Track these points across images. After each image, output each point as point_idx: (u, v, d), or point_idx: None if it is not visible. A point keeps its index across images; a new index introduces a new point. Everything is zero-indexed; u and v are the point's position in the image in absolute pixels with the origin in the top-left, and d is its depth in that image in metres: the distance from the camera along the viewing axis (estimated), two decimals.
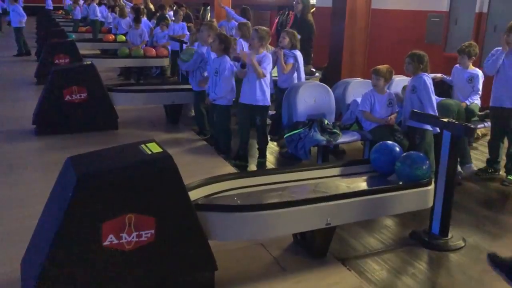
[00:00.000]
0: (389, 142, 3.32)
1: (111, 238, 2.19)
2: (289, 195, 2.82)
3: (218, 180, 2.88)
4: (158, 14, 12.48)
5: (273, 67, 5.44)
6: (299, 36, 6.29)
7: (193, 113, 6.08)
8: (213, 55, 5.04)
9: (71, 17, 19.31)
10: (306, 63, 6.63)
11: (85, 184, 2.13)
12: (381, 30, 9.60)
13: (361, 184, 3.16)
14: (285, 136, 4.67)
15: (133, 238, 2.24)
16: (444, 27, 8.25)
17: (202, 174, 4.28)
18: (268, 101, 4.77)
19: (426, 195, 3.03)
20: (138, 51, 9.14)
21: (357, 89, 4.97)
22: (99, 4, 16.10)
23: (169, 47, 10.05)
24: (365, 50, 9.19)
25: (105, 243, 2.18)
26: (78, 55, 8.57)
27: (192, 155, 4.94)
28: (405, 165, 3.04)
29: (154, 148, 2.45)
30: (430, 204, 3.09)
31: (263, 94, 4.69)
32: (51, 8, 25.50)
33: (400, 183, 3.05)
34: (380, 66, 4.48)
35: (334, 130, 4.50)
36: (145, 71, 9.88)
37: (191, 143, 5.40)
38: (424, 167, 3.01)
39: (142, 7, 16.06)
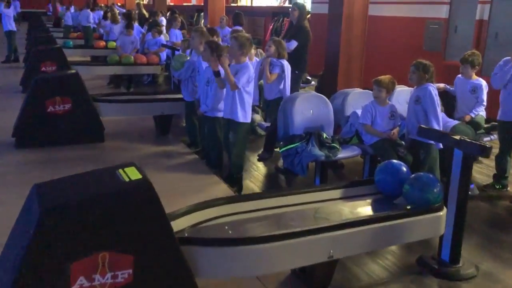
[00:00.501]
0: (395, 161, 3.04)
1: (81, 280, 1.89)
2: (287, 223, 2.53)
3: (207, 206, 2.58)
4: (150, 20, 12.20)
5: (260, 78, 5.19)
6: (294, 44, 6.05)
7: (184, 124, 5.77)
8: (204, 64, 4.77)
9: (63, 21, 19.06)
10: (302, 71, 6.37)
11: (50, 219, 1.83)
12: (378, 37, 9.37)
13: (366, 209, 2.88)
14: (280, 150, 4.38)
15: (107, 279, 1.94)
16: (443, 35, 8.03)
17: (192, 192, 3.99)
18: (247, 118, 4.32)
19: (438, 222, 2.75)
20: (129, 58, 8.85)
21: (356, 100, 4.71)
22: (93, 9, 15.76)
23: (162, 54, 9.78)
24: (362, 57, 8.95)
25: (74, 287, 1.88)
26: (65, 62, 8.25)
27: (181, 171, 4.64)
28: (414, 188, 2.76)
29: (133, 174, 2.15)
30: (442, 231, 2.81)
31: (243, 108, 4.24)
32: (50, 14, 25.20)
33: (408, 207, 2.77)
34: (382, 77, 4.21)
35: (333, 144, 4.22)
36: (136, 78, 9.60)
37: (181, 157, 5.10)
38: (435, 191, 2.73)
39: (136, 11, 15.84)
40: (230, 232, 2.40)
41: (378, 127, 4.24)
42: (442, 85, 5.06)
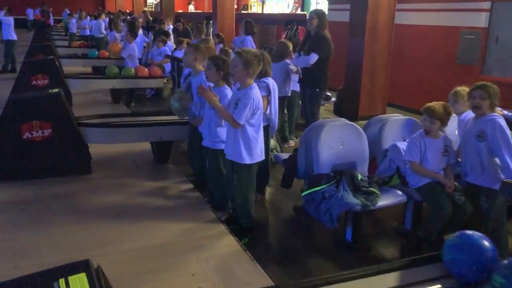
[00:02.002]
0: (475, 234, 2.14)
1: None
2: None
3: None
4: (156, 28, 11.44)
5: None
6: (315, 58, 5.17)
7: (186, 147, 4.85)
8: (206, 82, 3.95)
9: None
10: (323, 88, 5.49)
11: None
12: (405, 48, 8.48)
13: None
14: (303, 194, 3.50)
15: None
16: (481, 46, 7.11)
17: (192, 250, 3.14)
18: (254, 157, 3.38)
19: None
20: (129, 70, 8.05)
21: (397, 129, 3.82)
22: (96, 17, 14.96)
23: (167, 66, 8.99)
24: (387, 70, 8.05)
25: None
26: (59, 75, 7.48)
27: (181, 217, 3.74)
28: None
29: (80, 284, 1.30)
30: None
31: (247, 148, 3.34)
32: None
33: None
34: (435, 105, 3.31)
35: (370, 188, 3.33)
36: (138, 91, 8.79)
37: (182, 195, 4.22)
38: None
39: (141, 20, 15.11)
40: None
41: (428, 165, 3.35)
42: (498, 109, 4.14)
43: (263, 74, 3.91)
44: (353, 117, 7.74)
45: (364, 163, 3.65)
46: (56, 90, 4.46)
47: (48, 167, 4.38)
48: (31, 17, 25.89)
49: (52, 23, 22.60)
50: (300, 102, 6.14)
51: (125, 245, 3.28)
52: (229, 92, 3.65)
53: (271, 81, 3.98)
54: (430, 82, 8.10)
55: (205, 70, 3.71)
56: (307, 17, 5.34)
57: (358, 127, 3.69)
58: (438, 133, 3.40)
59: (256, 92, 3.34)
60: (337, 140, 3.57)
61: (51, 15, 23.26)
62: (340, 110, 8.12)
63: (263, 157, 3.52)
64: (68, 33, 17.24)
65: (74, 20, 17.14)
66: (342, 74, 8.02)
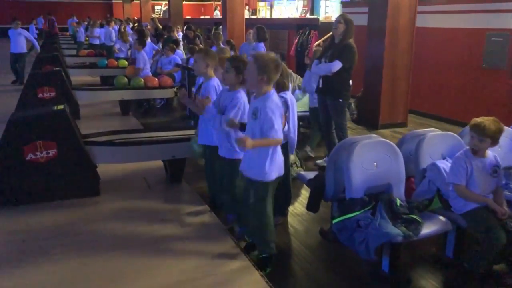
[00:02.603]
0: None
1: None
2: None
3: None
4: (165, 36, 11.15)
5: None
6: (338, 66, 4.81)
7: (203, 162, 4.46)
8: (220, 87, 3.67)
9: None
10: (346, 98, 5.12)
11: None
12: (427, 52, 8.09)
13: None
14: (334, 222, 3.14)
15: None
16: (509, 49, 6.70)
17: None
18: (273, 174, 3.01)
19: None
20: (138, 81, 7.75)
21: (436, 145, 3.44)
22: (108, 24, 14.65)
23: (177, 74, 8.69)
24: (409, 75, 7.64)
25: None
26: (66, 87, 7.22)
27: (196, 246, 3.39)
28: None
29: None
30: None
31: (263, 162, 2.96)
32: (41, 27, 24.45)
33: None
34: (485, 121, 2.92)
35: (412, 216, 2.96)
36: (147, 102, 8.48)
37: (197, 220, 3.84)
38: None
39: (149, 26, 14.86)
40: None
41: (475, 188, 2.98)
42: None
43: (281, 88, 3.52)
44: (373, 126, 7.39)
45: (401, 185, 3.28)
46: (61, 106, 4.15)
47: (53, 190, 4.07)
48: (40, 26, 25.83)
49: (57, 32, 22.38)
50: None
51: (139, 282, 2.93)
52: (242, 96, 3.33)
53: (289, 95, 3.57)
54: (454, 87, 7.70)
55: (223, 72, 3.38)
56: (334, 21, 4.96)
57: (393, 144, 3.32)
58: (486, 152, 3.02)
59: (276, 98, 2.98)
60: (370, 160, 3.21)
61: (55, 23, 23.07)
62: (359, 118, 7.75)
63: (282, 173, 3.16)
64: (76, 42, 17.04)
65: (82, 29, 16.95)
66: (360, 80, 7.65)
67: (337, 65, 4.78)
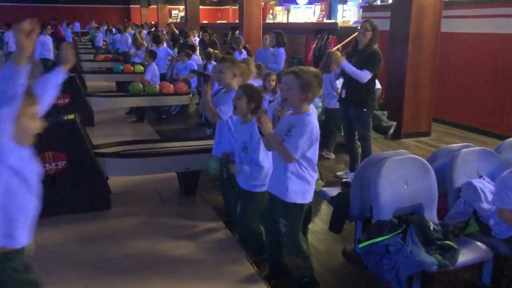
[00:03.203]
0: None
1: None
2: None
3: None
4: (181, 41, 11.01)
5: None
6: (368, 76, 4.54)
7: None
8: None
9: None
10: (371, 108, 4.84)
11: None
12: (453, 58, 7.76)
13: None
14: (360, 246, 2.88)
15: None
16: None
17: None
18: (307, 197, 2.79)
19: None
20: (153, 87, 7.59)
21: (471, 162, 3.16)
22: (124, 29, 14.57)
23: (193, 80, 8.52)
24: (433, 83, 7.34)
25: None
26: (80, 93, 7.10)
27: (215, 277, 3.13)
28: None
29: None
30: None
31: (299, 182, 2.74)
32: (79, 30, 24.64)
33: None
34: None
35: (447, 242, 2.69)
36: (166, 113, 8.31)
37: (212, 239, 3.63)
38: None
39: (165, 31, 14.75)
40: None
41: None
42: None
43: None
44: (395, 134, 7.07)
45: (433, 206, 3.00)
46: (71, 116, 3.97)
47: (62, 204, 3.89)
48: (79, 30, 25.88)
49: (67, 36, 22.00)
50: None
51: None
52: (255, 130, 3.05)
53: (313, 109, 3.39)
54: (481, 95, 7.35)
55: (234, 100, 3.14)
56: (359, 28, 4.69)
57: (425, 161, 3.05)
58: None
59: (314, 119, 2.74)
60: (400, 178, 2.94)
61: (61, 28, 22.99)
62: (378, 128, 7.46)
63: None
64: (94, 47, 17.04)
65: (101, 34, 16.95)
66: (382, 87, 7.35)
67: (367, 76, 4.52)
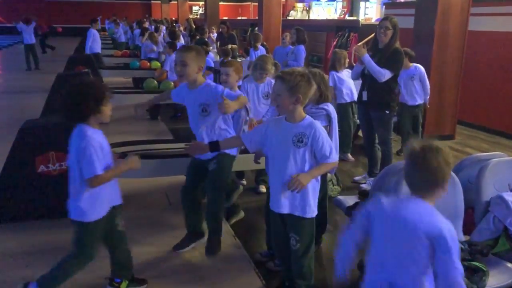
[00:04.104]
0: None
1: None
2: None
3: None
4: (197, 37, 10.85)
5: None
6: (388, 75, 4.29)
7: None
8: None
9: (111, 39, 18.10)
10: (393, 110, 4.58)
11: None
12: (480, 58, 7.39)
13: None
14: None
15: None
16: None
17: None
18: (313, 211, 2.62)
19: None
20: (168, 84, 7.44)
21: (504, 174, 2.89)
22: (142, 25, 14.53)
23: (209, 77, 8.33)
24: (459, 84, 6.99)
25: None
26: None
27: (213, 283, 2.99)
28: None
29: None
30: None
31: (315, 196, 2.61)
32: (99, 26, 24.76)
33: None
34: None
35: (475, 263, 2.43)
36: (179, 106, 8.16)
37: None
38: None
39: (184, 27, 14.64)
40: None
41: None
42: None
43: (323, 99, 3.15)
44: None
45: (459, 221, 2.74)
46: None
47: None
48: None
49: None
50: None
51: None
52: None
53: (331, 108, 3.20)
54: (509, 97, 6.97)
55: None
56: (379, 25, 4.42)
57: (451, 172, 2.78)
58: None
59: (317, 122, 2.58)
60: None
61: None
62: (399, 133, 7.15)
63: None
64: (115, 42, 16.97)
65: (121, 29, 16.88)
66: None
67: (387, 75, 4.26)
